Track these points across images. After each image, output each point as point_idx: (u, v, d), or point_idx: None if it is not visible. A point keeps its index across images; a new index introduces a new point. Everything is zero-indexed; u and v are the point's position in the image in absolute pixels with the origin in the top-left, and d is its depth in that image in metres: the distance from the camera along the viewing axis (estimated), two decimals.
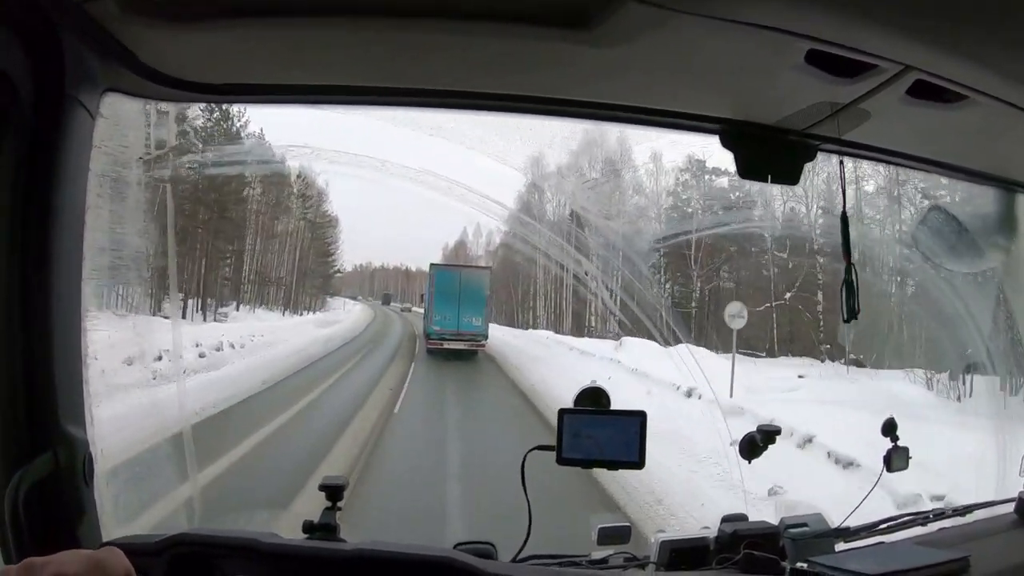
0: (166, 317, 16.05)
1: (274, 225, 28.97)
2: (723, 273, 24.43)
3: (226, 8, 0.86)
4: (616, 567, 1.18)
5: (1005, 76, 0.86)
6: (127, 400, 5.95)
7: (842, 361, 17.58)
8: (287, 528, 1.12)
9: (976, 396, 9.83)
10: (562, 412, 1.09)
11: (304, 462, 6.22)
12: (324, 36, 0.91)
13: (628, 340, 16.71)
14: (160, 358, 9.58)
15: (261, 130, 23.63)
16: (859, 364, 16.49)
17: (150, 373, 8.72)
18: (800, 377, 14.96)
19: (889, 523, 1.28)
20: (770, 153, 1.10)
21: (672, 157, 23.97)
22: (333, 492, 1.13)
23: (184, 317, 20.61)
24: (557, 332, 26.11)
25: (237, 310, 25.46)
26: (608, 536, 1.22)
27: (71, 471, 0.92)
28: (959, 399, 10.74)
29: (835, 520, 1.24)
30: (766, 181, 1.11)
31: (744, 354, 18.16)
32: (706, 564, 1.16)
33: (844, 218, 1.07)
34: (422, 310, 22.29)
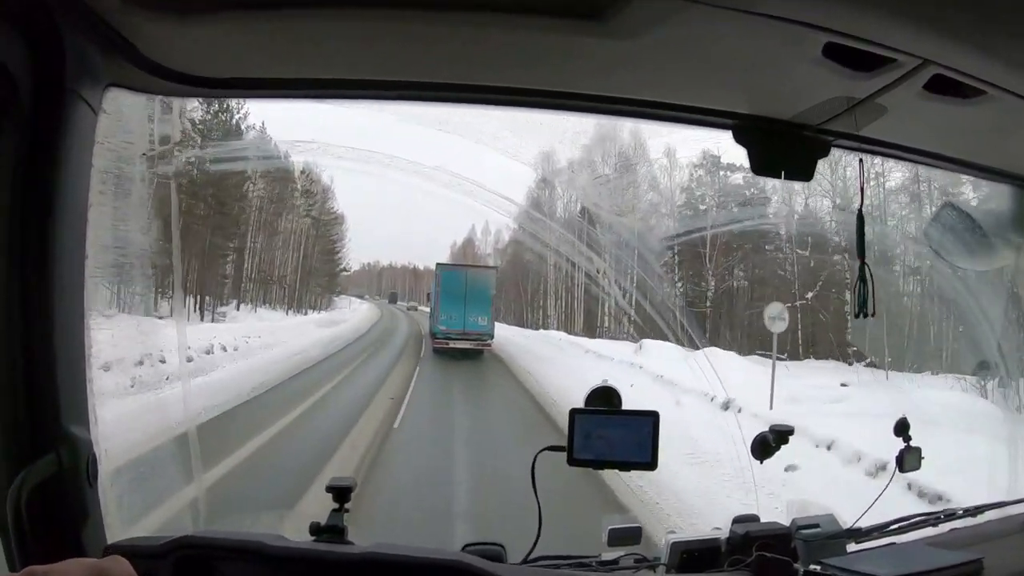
0: (160, 317, 15.44)
1: (276, 221, 28.31)
2: (738, 271, 23.80)
3: (230, 1, 0.84)
4: (627, 568, 1.17)
5: None
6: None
7: (864, 364, 16.75)
8: (292, 530, 1.10)
9: None
10: (573, 412, 1.07)
11: (283, 495, 5.13)
12: (330, 29, 0.89)
13: (648, 343, 15.83)
14: (141, 363, 8.83)
15: (262, 123, 23.38)
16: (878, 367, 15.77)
17: (128, 380, 7.99)
18: (843, 386, 13.58)
19: (901, 524, 1.27)
20: (784, 149, 1.08)
21: (686, 152, 23.47)
22: (340, 493, 1.11)
23: (181, 317, 20.11)
24: (569, 332, 25.29)
25: (237, 309, 24.71)
26: (618, 537, 1.20)
27: (75, 472, 0.91)
28: (1020, 409, 8.95)
29: (847, 521, 1.23)
30: (779, 177, 1.10)
31: (764, 356, 17.46)
32: (717, 566, 1.15)
33: (860, 217, 1.06)
34: (428, 309, 22.26)
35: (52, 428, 0.89)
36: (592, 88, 1.02)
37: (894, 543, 1.24)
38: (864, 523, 1.26)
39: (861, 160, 1.09)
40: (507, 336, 22.13)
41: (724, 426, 6.85)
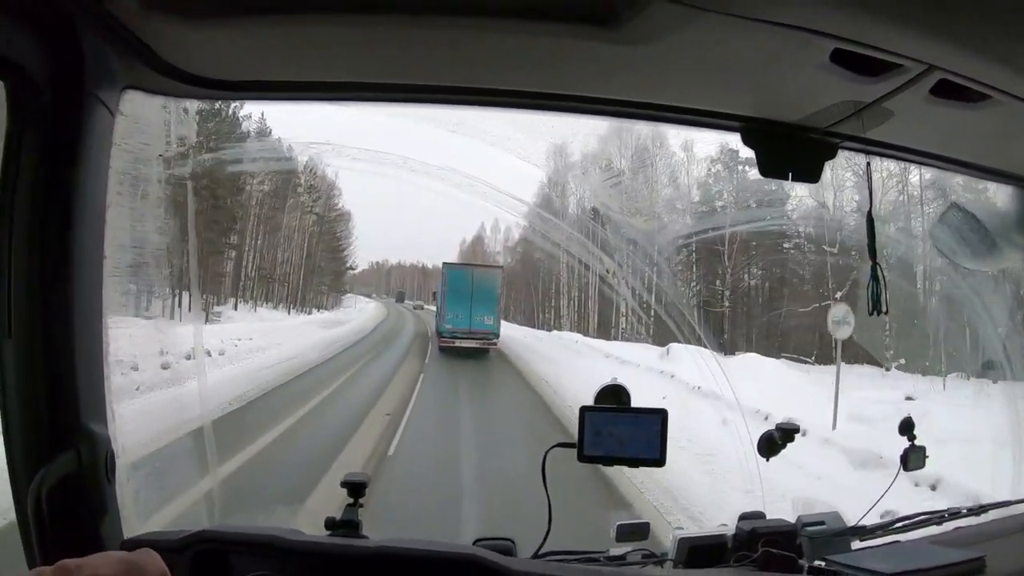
0: (148, 318, 14.66)
1: (278, 217, 27.17)
2: (758, 270, 22.94)
3: (246, 5, 0.86)
4: (634, 563, 1.19)
5: None
6: None
7: (889, 365, 15.77)
8: (306, 526, 1.12)
9: None
10: (583, 410, 1.09)
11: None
12: (344, 34, 0.90)
13: (677, 348, 14.30)
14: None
15: (262, 113, 22.70)
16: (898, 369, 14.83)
17: None
18: (908, 399, 11.97)
19: (905, 522, 1.28)
20: (791, 151, 1.10)
21: (703, 147, 22.54)
22: (355, 488, 1.13)
23: (172, 317, 18.82)
24: (584, 334, 24.18)
25: (235, 309, 23.49)
26: (627, 533, 1.22)
27: (93, 468, 0.92)
28: None
29: (852, 519, 1.24)
30: (787, 179, 1.11)
31: (790, 360, 16.80)
32: (724, 561, 1.16)
33: (870, 218, 1.07)
34: (434, 308, 22.12)
35: (72, 425, 0.91)
36: (603, 92, 1.04)
37: (898, 541, 1.25)
38: (869, 521, 1.27)
39: (868, 163, 1.11)
40: (518, 338, 21.17)
41: (793, 456, 4.80)
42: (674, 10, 0.77)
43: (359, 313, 30.93)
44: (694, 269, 23.26)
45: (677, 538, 1.18)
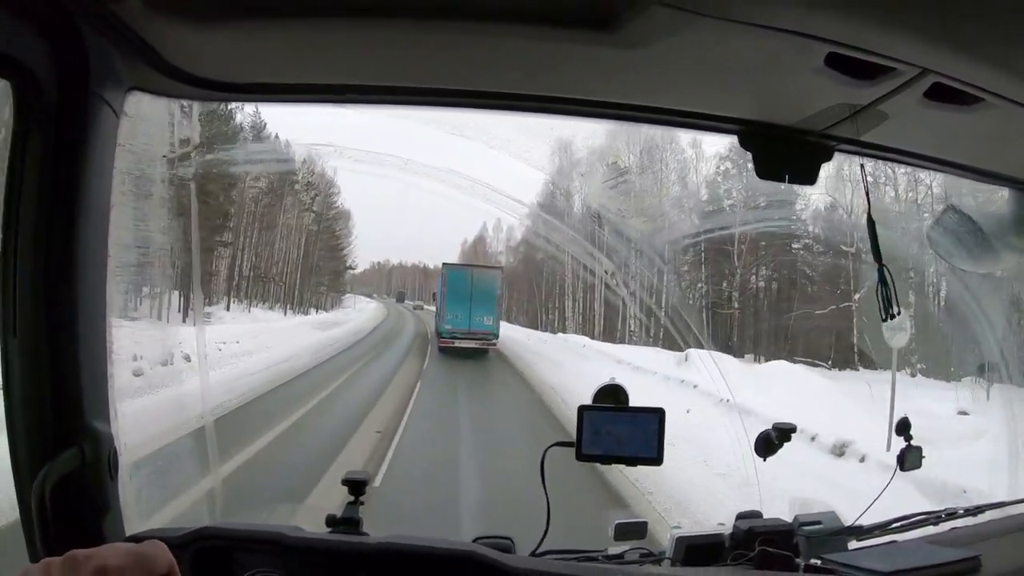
0: (134, 319, 14.34)
1: (273, 214, 26.12)
2: (766, 271, 22.18)
3: (250, 7, 0.87)
4: (632, 562, 1.20)
5: (1023, 79, 0.87)
6: None
7: (914, 371, 14.81)
8: (306, 522, 1.13)
9: None
10: (582, 409, 1.10)
11: None
12: (347, 36, 0.92)
13: (695, 354, 13.28)
14: None
15: (255, 108, 21.57)
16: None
17: None
18: (962, 414, 10.63)
19: (901, 522, 1.29)
20: (788, 154, 1.11)
21: (711, 146, 21.99)
22: (356, 486, 1.14)
23: (160, 318, 17.93)
24: (590, 336, 23.30)
25: (227, 309, 22.49)
26: (625, 531, 1.23)
27: (96, 466, 0.93)
28: None
29: (848, 518, 1.25)
30: (783, 181, 1.12)
31: (804, 363, 15.83)
32: (721, 560, 1.17)
33: (870, 220, 1.08)
34: (433, 308, 22.02)
35: (76, 423, 0.91)
36: (601, 95, 1.05)
37: (895, 541, 1.26)
38: (866, 521, 1.28)
39: (862, 166, 1.12)
40: (521, 340, 20.42)
41: (853, 485, 4.88)
42: (671, 14, 0.78)
43: (358, 314, 30.27)
44: (702, 269, 22.58)
45: (675, 537, 1.19)
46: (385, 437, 7.45)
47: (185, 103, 1.10)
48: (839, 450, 6.42)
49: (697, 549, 1.18)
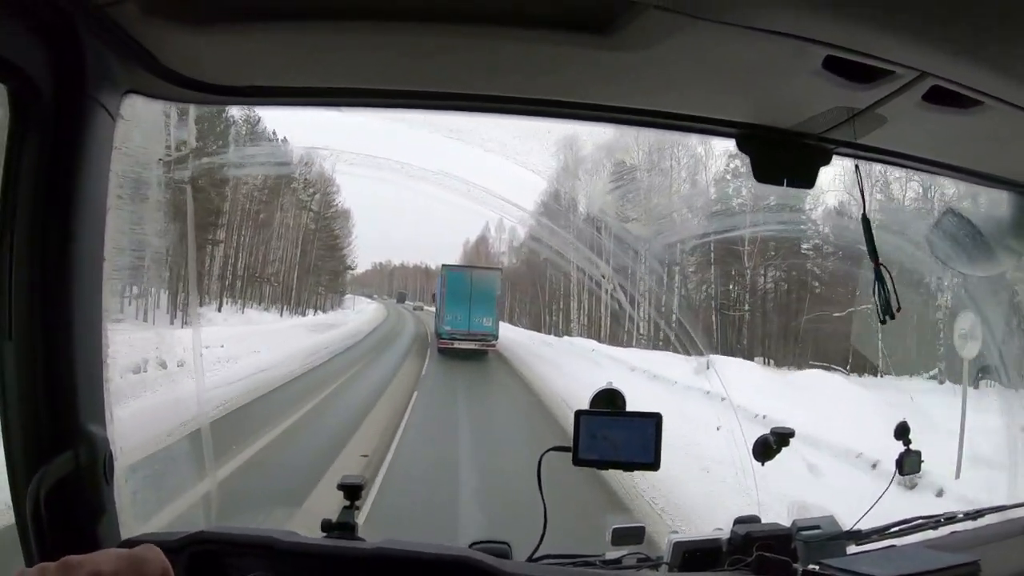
0: (117, 320, 13.82)
1: (269, 212, 25.13)
2: (776, 272, 21.47)
3: (247, 11, 0.87)
4: (630, 567, 1.19)
5: (1021, 81, 0.87)
6: None
7: (943, 378, 13.64)
8: (301, 528, 1.12)
9: None
10: (578, 414, 1.09)
11: None
12: (344, 40, 0.91)
13: (719, 361, 12.49)
14: None
15: (251, 111, 20.81)
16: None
17: None
18: None
19: (900, 526, 1.29)
20: (786, 157, 1.11)
21: (721, 142, 20.70)
22: (351, 491, 1.14)
23: (146, 320, 17.32)
24: (597, 340, 22.40)
25: (219, 311, 21.43)
26: (622, 536, 1.23)
27: (91, 469, 0.93)
28: None
29: (847, 523, 1.25)
30: (782, 185, 1.12)
31: (821, 368, 15.07)
32: (719, 565, 1.17)
33: (865, 220, 1.08)
34: (433, 309, 21.98)
35: (71, 426, 0.91)
36: (599, 98, 1.04)
37: (893, 545, 1.26)
38: (864, 526, 1.28)
39: (857, 167, 1.11)
40: (525, 343, 19.79)
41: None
42: (668, 18, 0.78)
43: (357, 315, 29.76)
44: (712, 270, 21.93)
45: (672, 542, 1.18)
46: (372, 463, 6.44)
47: (182, 106, 1.10)
48: (910, 483, 5.31)
49: (695, 554, 1.17)
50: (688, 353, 14.14)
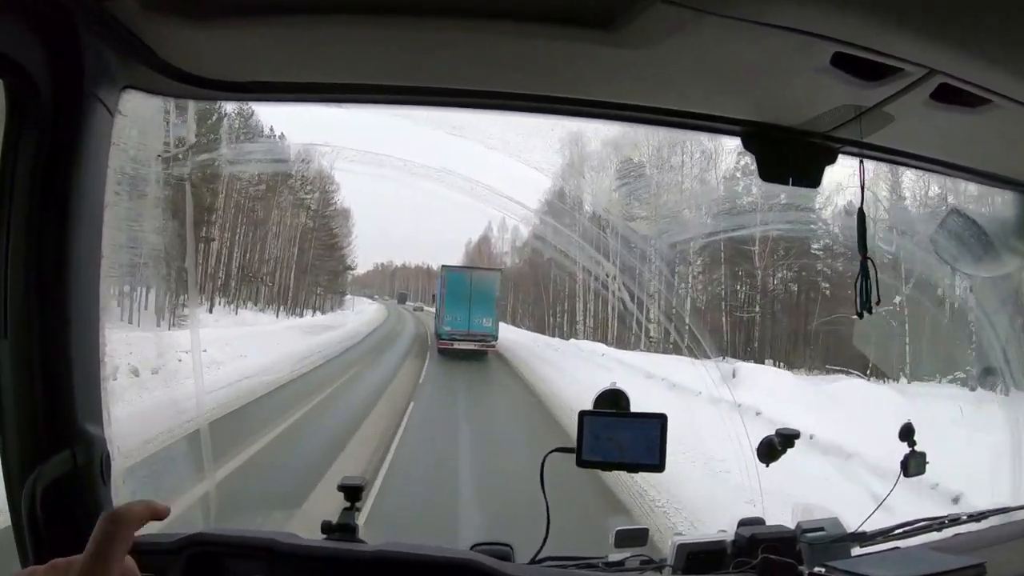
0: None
1: (264, 209, 24.31)
2: (789, 272, 20.75)
3: (247, 5, 0.86)
4: (633, 569, 1.18)
5: None
6: None
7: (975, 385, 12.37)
8: (301, 529, 1.11)
9: None
10: (582, 414, 1.08)
11: None
12: (345, 35, 0.90)
13: (746, 369, 11.22)
14: None
15: (246, 106, 19.60)
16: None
17: None
18: None
19: (905, 528, 1.28)
20: (791, 155, 1.10)
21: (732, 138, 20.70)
22: (352, 492, 1.12)
23: (131, 321, 16.53)
24: (604, 342, 21.55)
25: (211, 311, 20.40)
26: (625, 538, 1.22)
27: (89, 469, 0.92)
28: None
29: (851, 525, 1.24)
30: (787, 183, 1.11)
31: (838, 372, 14.69)
32: (723, 567, 1.16)
33: (861, 215, 1.07)
34: (433, 309, 21.97)
35: (68, 426, 0.90)
36: (603, 95, 1.03)
37: (898, 547, 1.25)
38: (869, 527, 1.27)
39: (862, 162, 1.11)
40: (529, 345, 19.20)
41: None
42: (674, 13, 0.77)
43: (356, 316, 29.28)
44: (723, 270, 21.26)
45: (676, 544, 1.17)
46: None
47: (181, 102, 1.09)
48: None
49: (698, 556, 1.16)
50: (700, 357, 12.83)
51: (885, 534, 1.26)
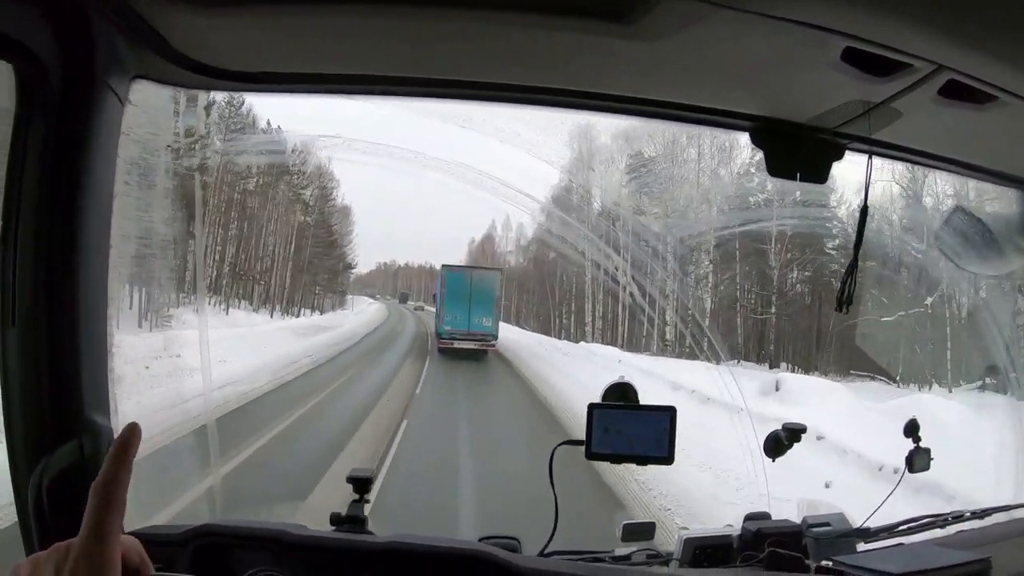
0: None
1: (257, 203, 23.24)
2: (804, 272, 19.85)
3: None
4: (640, 563, 1.18)
5: None
6: None
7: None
8: (309, 521, 1.11)
9: None
10: (591, 407, 1.09)
11: None
12: (357, 25, 0.90)
13: (790, 380, 9.93)
14: None
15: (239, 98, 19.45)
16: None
17: None
18: None
19: (909, 524, 1.29)
20: (799, 151, 1.10)
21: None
22: (361, 484, 1.12)
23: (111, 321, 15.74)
24: (614, 345, 20.57)
25: (197, 312, 17.83)
26: (632, 532, 1.22)
27: (96, 460, 0.91)
28: None
29: (857, 521, 1.24)
30: (794, 179, 1.11)
31: (865, 378, 13.84)
32: (730, 561, 1.16)
33: (863, 213, 1.08)
34: (434, 309, 21.82)
35: (75, 416, 0.90)
36: (614, 88, 1.04)
37: (902, 543, 1.25)
38: (873, 524, 1.27)
39: (870, 157, 1.11)
40: (535, 348, 18.34)
41: None
42: (687, 6, 0.77)
43: (356, 316, 28.71)
44: (740, 267, 20.40)
45: (683, 538, 1.18)
46: None
47: (191, 92, 1.08)
48: None
49: (705, 550, 1.17)
50: (719, 362, 12.09)
51: (890, 530, 1.26)
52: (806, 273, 20.51)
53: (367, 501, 1.13)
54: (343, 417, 8.51)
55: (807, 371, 16.89)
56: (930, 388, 14.08)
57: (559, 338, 23.96)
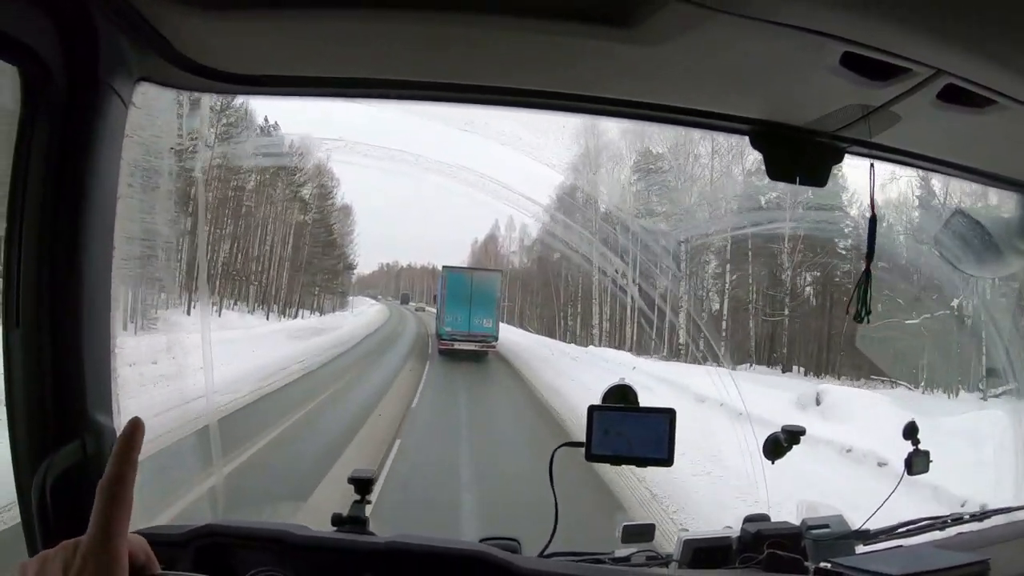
0: None
1: (252, 201, 22.64)
2: (816, 273, 19.36)
3: None
4: (639, 565, 1.19)
5: None
6: None
7: None
8: (310, 522, 1.11)
9: None
10: (591, 409, 1.09)
11: None
12: (361, 29, 0.91)
13: (831, 392, 9.14)
14: None
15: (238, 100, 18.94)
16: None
17: None
18: None
19: (908, 527, 1.29)
20: (799, 155, 1.11)
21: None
22: (362, 485, 1.13)
23: None
24: (622, 348, 19.95)
25: (188, 313, 17.60)
26: (632, 534, 1.22)
27: (99, 459, 0.91)
28: None
29: (856, 523, 1.24)
30: (794, 182, 1.12)
31: (887, 384, 13.25)
32: (729, 563, 1.17)
33: (872, 220, 1.08)
34: (434, 310, 21.96)
35: (78, 416, 0.90)
36: (615, 92, 1.04)
37: (901, 545, 1.26)
38: (872, 526, 1.27)
39: (872, 165, 1.11)
40: (540, 352, 17.86)
41: None
42: (688, 11, 0.77)
43: (355, 317, 28.19)
44: (750, 268, 19.86)
45: (682, 540, 1.18)
46: None
47: (195, 95, 1.09)
48: None
49: (704, 552, 1.17)
50: (718, 365, 11.32)
51: (889, 532, 1.26)
52: (818, 274, 19.96)
53: (368, 502, 1.13)
54: (333, 429, 7.93)
55: (819, 375, 16.63)
56: (957, 395, 13.39)
57: (566, 341, 23.20)
